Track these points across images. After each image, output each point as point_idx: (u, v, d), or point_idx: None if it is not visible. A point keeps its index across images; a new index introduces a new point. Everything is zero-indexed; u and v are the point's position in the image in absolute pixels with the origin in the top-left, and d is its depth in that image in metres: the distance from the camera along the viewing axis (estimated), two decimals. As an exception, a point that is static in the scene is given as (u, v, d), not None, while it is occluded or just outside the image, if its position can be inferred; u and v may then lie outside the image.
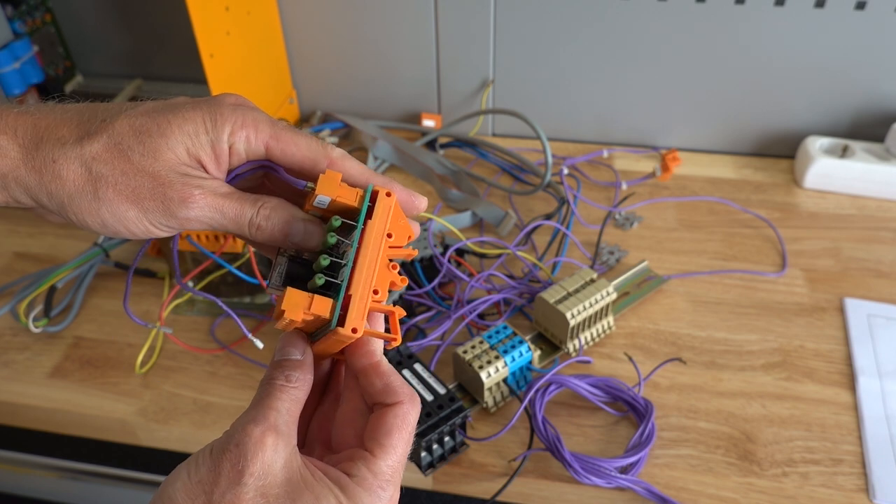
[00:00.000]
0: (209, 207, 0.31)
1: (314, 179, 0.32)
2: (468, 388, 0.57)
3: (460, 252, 0.67)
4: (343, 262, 0.32)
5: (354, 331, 0.30)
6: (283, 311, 0.30)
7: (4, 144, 0.30)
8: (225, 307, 0.50)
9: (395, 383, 0.33)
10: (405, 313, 0.34)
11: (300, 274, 0.33)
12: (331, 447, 0.35)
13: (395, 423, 0.32)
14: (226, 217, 0.32)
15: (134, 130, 0.31)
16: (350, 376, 0.34)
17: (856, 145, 0.78)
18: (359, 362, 0.33)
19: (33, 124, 0.31)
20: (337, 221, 0.32)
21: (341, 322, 0.30)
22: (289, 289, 0.30)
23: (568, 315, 0.57)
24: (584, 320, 0.59)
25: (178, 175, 0.31)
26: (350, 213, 0.33)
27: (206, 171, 0.32)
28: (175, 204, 0.31)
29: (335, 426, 0.35)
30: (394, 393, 0.32)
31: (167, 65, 0.92)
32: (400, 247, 0.33)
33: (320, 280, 0.31)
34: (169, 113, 0.31)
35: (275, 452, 0.29)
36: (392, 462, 0.31)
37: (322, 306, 0.30)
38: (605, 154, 0.85)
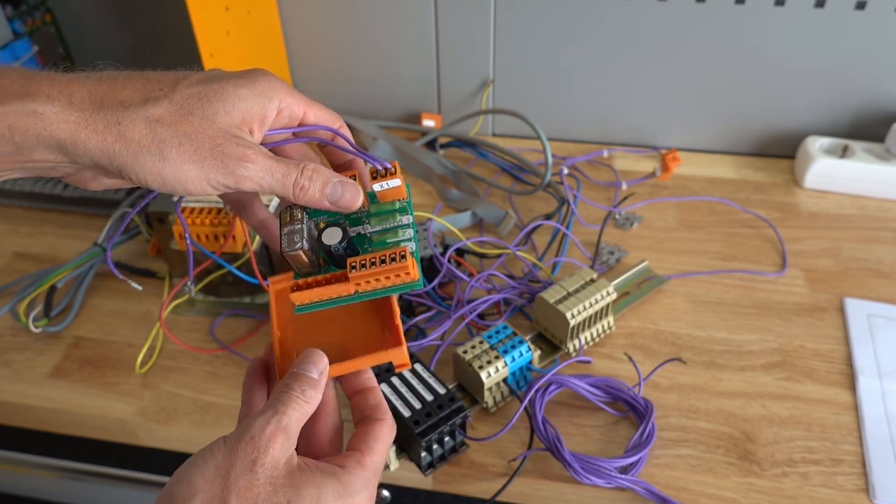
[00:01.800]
0: (262, 167, 0.34)
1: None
2: (468, 388, 0.57)
3: (460, 252, 0.67)
4: (361, 231, 0.38)
5: (403, 366, 0.38)
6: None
7: (62, 111, 0.31)
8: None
9: (385, 405, 0.39)
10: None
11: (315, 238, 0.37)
12: (309, 454, 0.39)
13: (381, 434, 0.38)
14: (274, 177, 0.34)
15: (194, 96, 0.33)
16: (328, 397, 0.39)
17: (856, 145, 0.78)
18: (360, 384, 0.40)
19: (88, 91, 0.32)
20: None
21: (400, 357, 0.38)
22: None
23: (568, 315, 0.57)
24: (584, 320, 0.59)
25: (234, 137, 0.34)
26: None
27: (252, 135, 0.35)
28: (233, 162, 0.33)
29: (314, 437, 0.39)
30: (384, 411, 0.39)
31: (167, 65, 0.92)
32: None
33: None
34: (224, 81, 0.34)
35: (282, 450, 0.33)
36: (377, 463, 0.37)
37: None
38: (605, 154, 0.85)
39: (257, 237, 0.60)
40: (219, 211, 0.59)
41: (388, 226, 0.38)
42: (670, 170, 0.80)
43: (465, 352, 0.55)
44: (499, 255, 0.68)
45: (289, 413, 0.34)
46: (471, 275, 0.64)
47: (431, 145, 0.86)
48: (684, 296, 0.67)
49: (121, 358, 0.63)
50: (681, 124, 0.85)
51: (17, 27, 0.81)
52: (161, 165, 0.32)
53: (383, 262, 0.35)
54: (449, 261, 0.62)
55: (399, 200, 0.39)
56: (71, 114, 0.31)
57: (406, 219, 0.38)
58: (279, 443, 0.33)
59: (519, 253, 0.65)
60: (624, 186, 0.80)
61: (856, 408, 0.57)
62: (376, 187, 0.38)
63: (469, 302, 0.62)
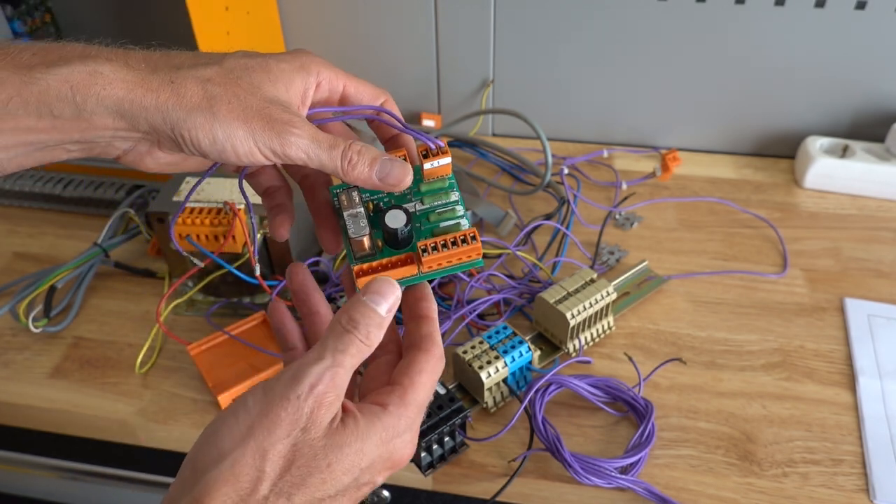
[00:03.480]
0: (309, 136, 0.33)
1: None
2: (468, 388, 0.57)
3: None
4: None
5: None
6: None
7: (119, 71, 0.32)
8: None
9: (438, 336, 0.36)
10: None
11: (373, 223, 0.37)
12: (359, 394, 0.37)
13: (426, 367, 0.35)
14: (321, 147, 0.33)
15: (241, 66, 0.34)
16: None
17: (856, 145, 0.78)
18: (418, 309, 0.37)
19: (143, 57, 0.33)
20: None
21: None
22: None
23: (568, 315, 0.57)
24: (584, 320, 0.59)
25: (280, 104, 0.33)
26: None
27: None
28: (279, 126, 0.32)
29: (367, 375, 0.37)
30: (434, 343, 0.36)
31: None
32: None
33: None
34: (266, 57, 0.35)
35: (329, 410, 0.31)
36: (421, 399, 0.34)
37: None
38: (605, 154, 0.85)
39: (257, 237, 0.60)
40: (219, 211, 0.59)
41: (438, 202, 0.38)
42: (670, 170, 0.80)
43: (465, 352, 0.55)
44: (499, 255, 0.68)
45: (345, 364, 0.31)
46: (471, 275, 0.64)
47: (431, 145, 0.86)
48: (684, 296, 0.67)
49: (121, 358, 0.63)
50: (681, 124, 0.85)
51: (17, 27, 0.81)
52: (211, 122, 0.32)
53: (454, 244, 0.35)
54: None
55: (447, 177, 0.39)
56: (128, 73, 0.32)
57: (455, 195, 0.38)
58: (328, 402, 0.30)
59: (519, 253, 0.65)
60: (624, 186, 0.80)
61: (856, 408, 0.57)
62: (427, 165, 0.37)
63: (469, 302, 0.62)
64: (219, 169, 0.38)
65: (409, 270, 0.36)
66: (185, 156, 0.35)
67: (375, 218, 0.37)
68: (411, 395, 0.34)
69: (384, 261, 0.36)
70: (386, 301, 0.33)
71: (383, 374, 0.36)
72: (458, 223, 0.37)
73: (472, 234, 0.35)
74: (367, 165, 0.34)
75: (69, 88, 0.31)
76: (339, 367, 0.31)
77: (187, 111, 0.32)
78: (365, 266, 0.36)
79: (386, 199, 0.38)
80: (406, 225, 0.35)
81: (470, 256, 0.35)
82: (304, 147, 0.33)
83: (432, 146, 0.38)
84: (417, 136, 0.38)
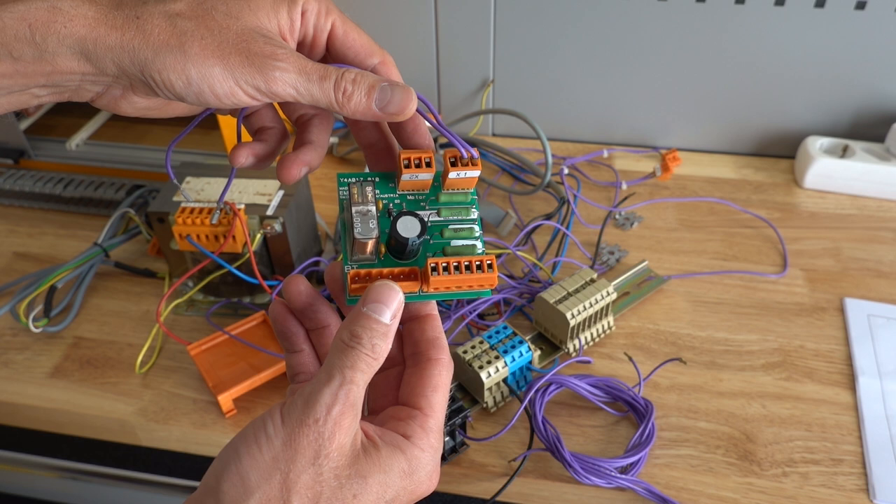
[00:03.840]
0: (295, 68, 0.30)
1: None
2: (468, 388, 0.57)
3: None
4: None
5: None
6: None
7: (80, 6, 0.29)
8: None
9: (445, 339, 0.33)
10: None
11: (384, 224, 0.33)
12: (369, 408, 0.35)
13: (440, 381, 0.32)
14: (310, 79, 0.30)
15: None
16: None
17: (856, 145, 0.78)
18: (417, 309, 0.35)
19: None
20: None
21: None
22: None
23: (568, 315, 0.57)
24: (584, 320, 0.59)
25: (261, 35, 0.30)
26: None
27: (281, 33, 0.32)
28: (260, 60, 0.29)
29: (373, 390, 0.35)
30: (443, 349, 0.33)
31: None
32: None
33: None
34: None
35: (349, 431, 0.29)
36: (440, 418, 0.32)
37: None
38: (605, 154, 0.85)
39: (257, 237, 0.60)
40: (219, 211, 0.59)
41: (455, 217, 0.34)
42: (670, 170, 0.80)
43: (465, 352, 0.55)
44: (499, 255, 0.68)
45: (356, 380, 0.29)
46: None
47: (431, 145, 0.86)
48: (684, 296, 0.67)
49: (121, 358, 0.63)
50: (681, 124, 0.85)
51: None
52: (183, 61, 0.29)
53: (468, 269, 0.31)
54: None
55: (469, 192, 0.35)
56: (90, 9, 0.29)
57: (475, 213, 0.35)
58: (347, 423, 0.29)
59: (519, 253, 0.65)
60: (624, 186, 0.80)
61: (856, 408, 0.57)
62: (453, 175, 0.34)
63: (469, 302, 0.62)
64: (214, 121, 0.35)
65: (409, 286, 0.32)
66: (163, 100, 0.33)
67: (384, 220, 0.34)
68: (431, 420, 0.32)
69: (385, 270, 0.32)
70: (389, 308, 0.31)
71: (391, 388, 0.34)
72: (474, 245, 0.34)
73: (489, 262, 0.32)
74: (364, 94, 0.31)
75: (27, 27, 0.28)
76: (352, 385, 0.29)
77: (155, 50, 0.29)
78: (362, 272, 0.32)
79: (398, 202, 0.35)
80: (420, 236, 0.32)
81: (482, 285, 0.32)
82: (292, 81, 0.30)
83: (464, 154, 0.34)
84: (451, 138, 0.33)
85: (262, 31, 0.30)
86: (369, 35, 0.34)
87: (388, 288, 0.31)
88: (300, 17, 0.32)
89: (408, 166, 0.33)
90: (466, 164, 0.33)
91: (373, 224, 0.32)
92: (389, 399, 0.34)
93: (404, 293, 0.32)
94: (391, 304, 0.31)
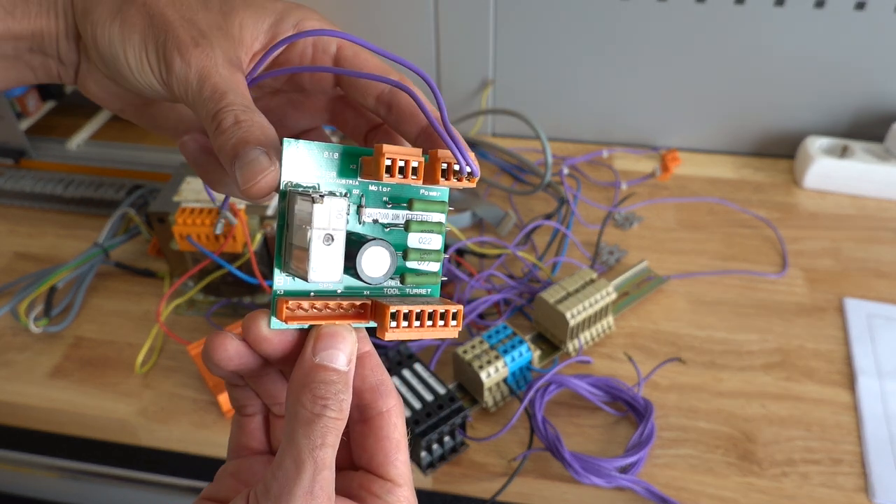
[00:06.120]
0: (198, 69, 0.26)
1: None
2: (468, 388, 0.57)
3: (460, 252, 0.67)
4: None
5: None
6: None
7: None
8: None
9: (389, 381, 0.28)
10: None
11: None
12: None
13: (399, 434, 0.27)
14: (202, 89, 0.26)
15: None
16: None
17: (856, 145, 0.78)
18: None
19: None
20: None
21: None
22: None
23: (568, 315, 0.57)
24: (584, 320, 0.59)
25: (215, 27, 0.27)
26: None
27: (243, 43, 0.28)
28: (177, 43, 0.26)
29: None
30: (389, 394, 0.27)
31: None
32: None
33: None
34: None
35: None
36: (410, 478, 0.28)
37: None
38: (605, 154, 0.85)
39: (257, 237, 0.60)
40: (222, 220, 0.59)
41: (423, 235, 0.28)
42: (670, 170, 0.80)
43: (465, 352, 0.55)
44: (499, 255, 0.68)
45: (328, 460, 0.24)
46: (471, 275, 0.64)
47: (431, 145, 0.86)
48: (684, 296, 0.67)
49: (121, 358, 0.63)
50: (681, 124, 0.85)
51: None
52: (114, 19, 0.27)
53: (430, 319, 0.26)
54: (449, 261, 0.62)
55: (441, 214, 0.28)
56: None
57: (438, 241, 0.29)
58: None
59: (519, 253, 0.65)
60: (624, 186, 0.80)
61: (856, 408, 0.57)
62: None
63: (469, 302, 0.62)
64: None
65: (357, 320, 0.27)
66: (129, 90, 0.29)
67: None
68: (405, 489, 0.27)
69: (332, 304, 0.26)
70: (343, 352, 0.26)
71: (341, 449, 0.27)
72: (435, 275, 0.28)
73: (454, 311, 0.26)
74: (231, 144, 0.25)
75: None
76: (325, 470, 0.24)
77: (97, 2, 0.28)
78: (303, 302, 0.26)
79: (357, 192, 0.27)
80: (386, 275, 0.26)
81: (445, 336, 0.27)
82: (184, 78, 0.26)
83: (465, 168, 0.27)
84: (452, 145, 0.27)
85: (221, 25, 0.28)
86: (374, 37, 0.33)
87: (338, 331, 0.26)
88: (289, 30, 0.29)
89: (389, 172, 0.25)
90: (461, 179, 0.27)
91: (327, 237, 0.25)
92: (341, 455, 0.27)
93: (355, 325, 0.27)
94: (345, 347, 0.26)
